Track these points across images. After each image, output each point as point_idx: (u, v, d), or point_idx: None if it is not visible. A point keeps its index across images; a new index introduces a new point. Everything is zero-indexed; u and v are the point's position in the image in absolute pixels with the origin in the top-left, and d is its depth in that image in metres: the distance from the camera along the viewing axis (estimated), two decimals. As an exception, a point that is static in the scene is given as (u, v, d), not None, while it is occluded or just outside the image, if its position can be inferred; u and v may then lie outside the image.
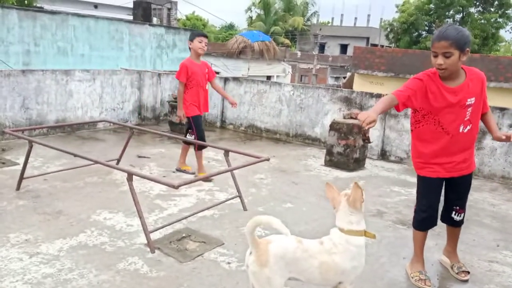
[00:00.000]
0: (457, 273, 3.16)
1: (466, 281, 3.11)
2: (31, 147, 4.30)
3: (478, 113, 2.90)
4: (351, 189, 2.28)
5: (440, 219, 3.17)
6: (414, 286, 3.00)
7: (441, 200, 3.10)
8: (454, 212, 3.11)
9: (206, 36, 5.11)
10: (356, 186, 2.24)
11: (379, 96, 6.84)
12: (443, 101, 2.78)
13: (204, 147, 5.07)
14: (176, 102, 8.03)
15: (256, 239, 2.14)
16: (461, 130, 2.85)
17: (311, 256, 2.18)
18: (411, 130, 3.04)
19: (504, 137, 2.88)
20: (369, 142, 2.58)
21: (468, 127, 2.86)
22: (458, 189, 3.07)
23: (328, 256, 2.20)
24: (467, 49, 2.68)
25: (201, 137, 5.09)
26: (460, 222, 3.16)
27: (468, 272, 3.16)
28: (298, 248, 2.17)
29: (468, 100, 2.79)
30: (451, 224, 3.18)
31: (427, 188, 3.04)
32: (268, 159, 4.17)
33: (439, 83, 2.78)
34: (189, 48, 5.08)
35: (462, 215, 3.13)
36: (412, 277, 3.05)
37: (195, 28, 14.83)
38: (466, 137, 2.88)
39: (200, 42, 4.97)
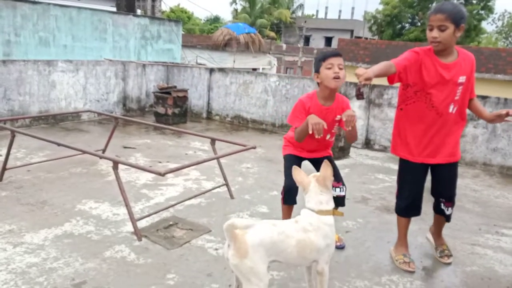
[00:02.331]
0: (440, 257, 3.22)
1: (449, 263, 3.17)
2: (13, 137, 4.23)
3: (466, 94, 2.89)
4: (321, 170, 2.36)
5: (433, 209, 3.17)
6: (398, 268, 3.05)
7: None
8: (442, 205, 3.09)
9: (338, 55, 2.93)
10: (327, 164, 2.32)
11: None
12: (437, 76, 2.78)
13: (290, 200, 3.24)
14: (162, 93, 7.99)
15: (233, 232, 2.13)
16: (450, 110, 2.85)
17: (288, 236, 2.21)
18: (400, 109, 3.00)
19: (504, 112, 2.75)
20: (363, 98, 2.57)
21: (456, 107, 2.86)
22: (443, 177, 3.03)
23: (304, 233, 2.25)
24: (462, 25, 2.68)
25: (287, 185, 3.21)
26: (449, 217, 3.13)
27: (451, 256, 3.23)
28: (274, 232, 2.19)
29: (460, 77, 2.80)
30: (442, 216, 3.16)
31: (408, 174, 3.03)
32: (254, 147, 4.20)
33: (434, 58, 2.79)
34: (318, 84, 3.05)
35: (450, 209, 3.09)
36: (397, 260, 3.11)
37: (180, 20, 14.64)
38: (453, 118, 2.88)
39: (329, 69, 2.88)
